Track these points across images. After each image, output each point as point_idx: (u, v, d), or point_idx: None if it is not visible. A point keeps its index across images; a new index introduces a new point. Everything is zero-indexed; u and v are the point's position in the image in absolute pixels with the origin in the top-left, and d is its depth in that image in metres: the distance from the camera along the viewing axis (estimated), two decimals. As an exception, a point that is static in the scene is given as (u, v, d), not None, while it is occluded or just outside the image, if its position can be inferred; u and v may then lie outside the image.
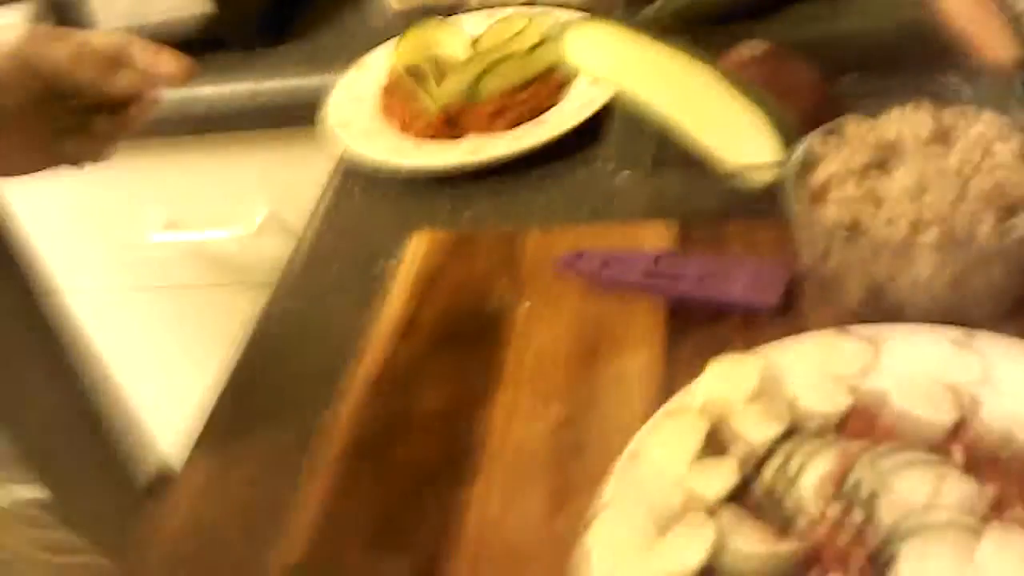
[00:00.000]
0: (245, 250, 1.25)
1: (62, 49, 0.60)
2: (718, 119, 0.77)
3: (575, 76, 0.91)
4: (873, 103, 0.70)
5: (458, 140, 0.90)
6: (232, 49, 1.15)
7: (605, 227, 0.73)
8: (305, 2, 1.22)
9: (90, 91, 0.62)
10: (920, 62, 0.81)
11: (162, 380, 1.36)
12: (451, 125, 0.90)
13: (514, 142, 0.86)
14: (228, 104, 1.11)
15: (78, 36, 0.62)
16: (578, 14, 0.99)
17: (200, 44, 1.13)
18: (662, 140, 0.78)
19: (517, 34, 0.93)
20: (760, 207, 0.71)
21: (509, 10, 1.03)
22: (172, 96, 1.13)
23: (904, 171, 0.55)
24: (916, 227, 0.53)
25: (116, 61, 0.62)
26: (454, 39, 0.97)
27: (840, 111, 0.73)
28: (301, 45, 1.15)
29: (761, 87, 0.76)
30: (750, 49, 0.80)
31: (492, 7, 1.07)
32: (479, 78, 0.90)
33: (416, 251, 0.76)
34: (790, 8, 0.87)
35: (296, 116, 1.09)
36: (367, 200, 0.90)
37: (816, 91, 0.78)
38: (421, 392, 0.61)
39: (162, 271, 1.29)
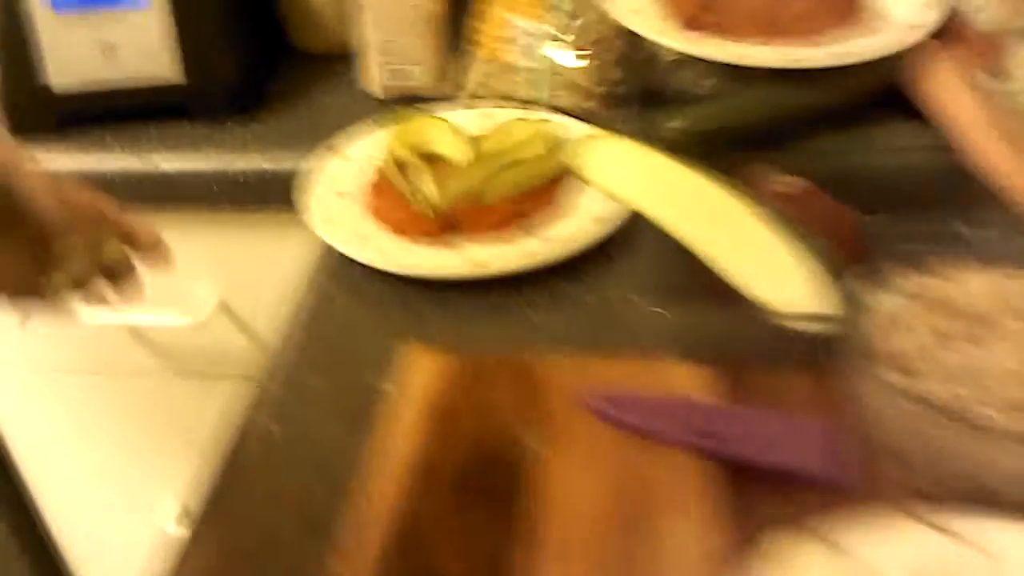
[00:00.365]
0: (189, 339, 1.15)
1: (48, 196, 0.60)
2: (750, 253, 0.72)
3: (589, 187, 0.85)
4: (909, 246, 0.66)
5: (456, 246, 0.83)
6: (198, 120, 1.06)
7: (635, 363, 0.67)
8: (278, 75, 1.14)
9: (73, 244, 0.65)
10: (952, 206, 0.78)
11: (91, 481, 1.24)
12: (450, 229, 0.83)
13: (523, 255, 0.79)
14: (188, 179, 1.02)
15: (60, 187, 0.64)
16: (585, 126, 0.94)
17: (164, 112, 1.05)
18: (688, 269, 0.73)
19: (524, 141, 0.87)
20: (802, 355, 0.66)
21: (505, 111, 0.98)
22: (129, 165, 1.05)
23: (1005, 349, 0.51)
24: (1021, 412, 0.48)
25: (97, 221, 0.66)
26: (450, 137, 0.91)
27: (875, 254, 0.69)
28: (272, 122, 1.06)
29: (797, 223, 0.72)
30: (782, 182, 0.76)
31: (483, 105, 1.01)
32: (486, 182, 0.84)
33: (415, 373, 0.69)
34: (817, 137, 0.84)
35: (263, 198, 1.02)
36: (350, 304, 0.82)
37: (852, 231, 0.74)
38: (444, 555, 0.53)
39: (94, 355, 1.18)
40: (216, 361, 1.17)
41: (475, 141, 0.90)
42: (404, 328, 0.78)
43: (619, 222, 0.82)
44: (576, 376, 0.66)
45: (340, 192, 0.90)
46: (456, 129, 0.91)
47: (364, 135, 0.97)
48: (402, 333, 0.76)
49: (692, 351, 0.67)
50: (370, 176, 0.91)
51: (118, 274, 0.72)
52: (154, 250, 0.71)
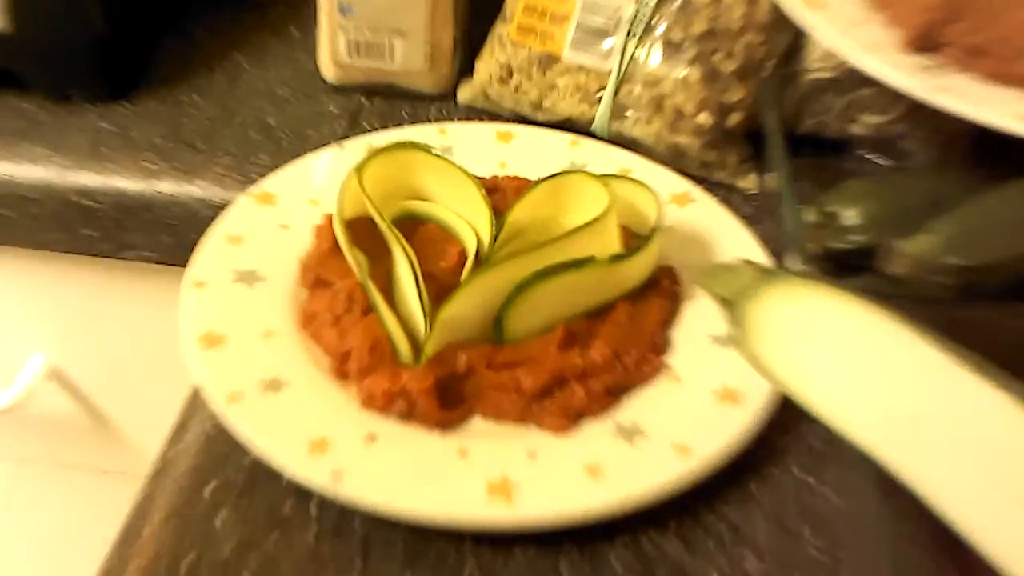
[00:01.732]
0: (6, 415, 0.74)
1: None
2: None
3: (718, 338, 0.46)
4: None
5: (453, 426, 0.44)
6: (32, 95, 0.65)
7: None
8: (180, 32, 0.72)
9: None
10: None
11: None
12: (451, 399, 0.44)
13: (588, 485, 0.41)
14: (7, 191, 0.61)
15: None
16: (687, 183, 0.55)
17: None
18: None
19: (593, 225, 0.47)
20: None
21: (542, 139, 0.58)
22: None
23: None
24: None
25: None
26: (458, 194, 0.51)
27: None
28: (154, 109, 0.65)
29: None
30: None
31: (502, 122, 0.62)
32: (513, 299, 0.44)
33: None
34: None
35: (118, 238, 0.61)
36: (240, 495, 0.43)
37: None
38: None
39: None
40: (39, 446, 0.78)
41: (499, 216, 0.50)
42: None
43: (769, 407, 0.44)
44: None
45: (245, 276, 0.49)
46: (466, 180, 0.51)
47: (304, 158, 0.57)
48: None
49: None
50: (305, 251, 0.51)
51: None
52: None
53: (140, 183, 0.60)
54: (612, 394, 0.45)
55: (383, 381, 0.43)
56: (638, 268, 0.49)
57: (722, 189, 0.59)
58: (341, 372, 0.45)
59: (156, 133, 0.63)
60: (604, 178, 0.49)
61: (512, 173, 0.57)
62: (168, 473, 0.45)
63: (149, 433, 0.58)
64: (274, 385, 0.44)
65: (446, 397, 0.44)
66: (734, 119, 0.58)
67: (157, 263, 0.60)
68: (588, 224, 0.47)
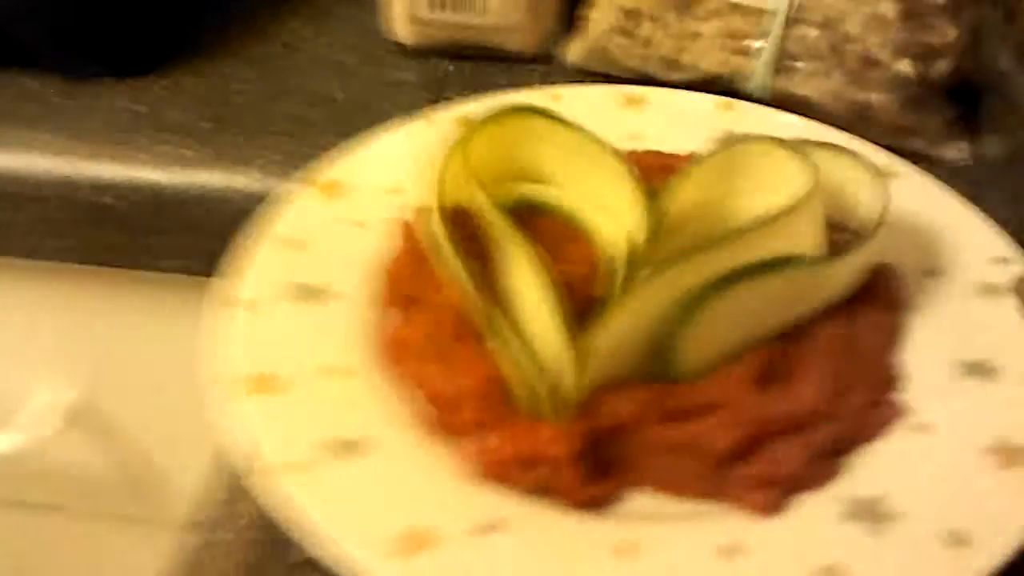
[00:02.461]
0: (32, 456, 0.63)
1: None
2: None
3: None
4: None
5: (607, 505, 0.30)
6: (44, 76, 0.53)
7: None
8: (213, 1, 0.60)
9: None
10: None
11: None
12: (597, 456, 0.31)
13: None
14: (19, 191, 0.49)
15: None
16: (886, 154, 0.41)
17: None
18: None
19: (792, 213, 0.33)
20: None
21: (689, 103, 0.45)
22: None
23: None
24: None
25: None
26: (590, 173, 0.38)
27: None
28: (188, 87, 0.53)
29: None
30: None
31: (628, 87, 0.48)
32: (688, 317, 0.31)
33: None
34: None
35: (153, 251, 0.49)
36: None
37: None
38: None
39: None
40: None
41: (652, 189, 0.36)
42: None
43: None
44: None
45: (308, 292, 0.36)
46: (607, 155, 0.37)
47: (380, 137, 0.44)
48: None
49: None
50: (390, 257, 0.38)
51: None
52: None
53: (174, 175, 0.47)
54: (836, 453, 0.31)
55: (512, 441, 0.30)
56: (850, 271, 0.35)
57: (919, 162, 0.45)
58: (449, 426, 0.32)
59: (194, 114, 0.50)
60: (802, 148, 0.35)
61: (648, 147, 0.43)
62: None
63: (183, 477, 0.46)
64: (351, 447, 0.31)
65: (597, 462, 0.31)
66: (941, 68, 0.44)
67: (194, 275, 0.48)
68: (786, 211, 0.33)
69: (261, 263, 0.37)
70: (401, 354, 0.34)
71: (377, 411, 0.33)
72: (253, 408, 0.32)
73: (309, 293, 0.36)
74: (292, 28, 0.57)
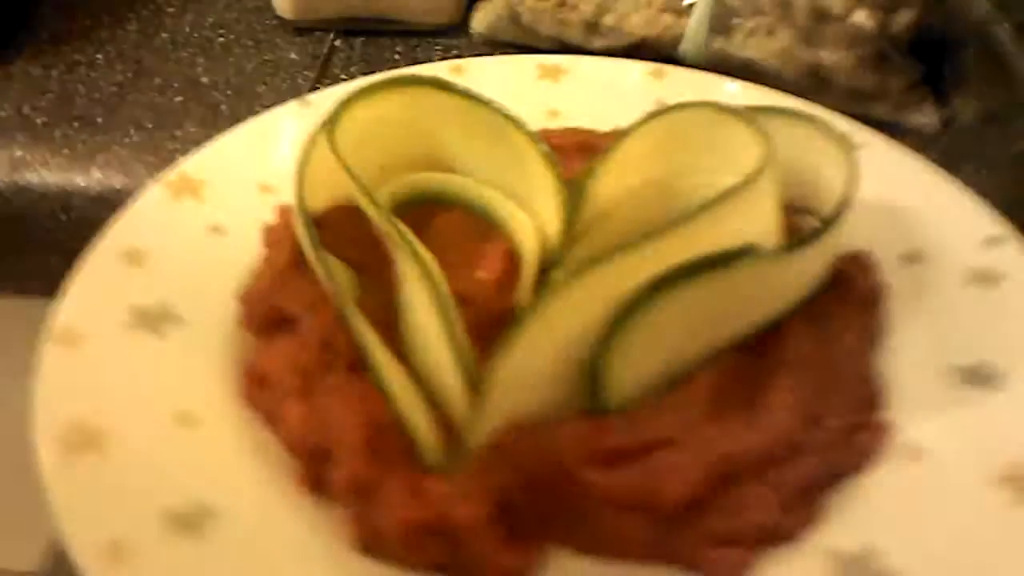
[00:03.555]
0: None
1: None
2: None
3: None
4: None
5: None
6: None
7: None
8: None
9: None
10: None
11: None
12: (515, 516, 0.24)
13: None
14: None
15: None
16: (847, 121, 0.35)
17: None
18: None
19: (739, 193, 0.27)
20: None
21: (622, 71, 0.38)
22: None
23: None
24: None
25: None
26: (495, 156, 0.30)
27: None
28: (23, 76, 0.45)
29: None
30: None
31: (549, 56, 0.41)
32: (617, 332, 0.24)
33: None
34: None
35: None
36: None
37: None
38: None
39: None
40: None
41: (572, 173, 0.29)
42: None
43: None
44: None
45: (148, 317, 0.29)
46: (514, 133, 0.30)
47: (247, 123, 0.36)
48: None
49: None
50: (251, 270, 0.31)
51: None
52: None
53: (7, 176, 0.39)
54: (814, 494, 0.25)
55: (403, 503, 0.23)
56: (816, 262, 0.28)
57: (882, 130, 0.39)
58: (315, 484, 0.25)
59: (37, 107, 0.42)
60: (752, 114, 0.29)
61: (568, 124, 0.37)
62: None
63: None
64: (195, 522, 0.24)
65: (516, 524, 0.24)
66: (904, 19, 0.38)
67: (28, 297, 0.40)
68: (734, 192, 0.27)
69: (89, 285, 0.29)
70: (258, 390, 0.26)
71: (230, 470, 0.25)
72: (68, 473, 0.25)
73: (148, 319, 0.29)
74: (154, 4, 0.49)
